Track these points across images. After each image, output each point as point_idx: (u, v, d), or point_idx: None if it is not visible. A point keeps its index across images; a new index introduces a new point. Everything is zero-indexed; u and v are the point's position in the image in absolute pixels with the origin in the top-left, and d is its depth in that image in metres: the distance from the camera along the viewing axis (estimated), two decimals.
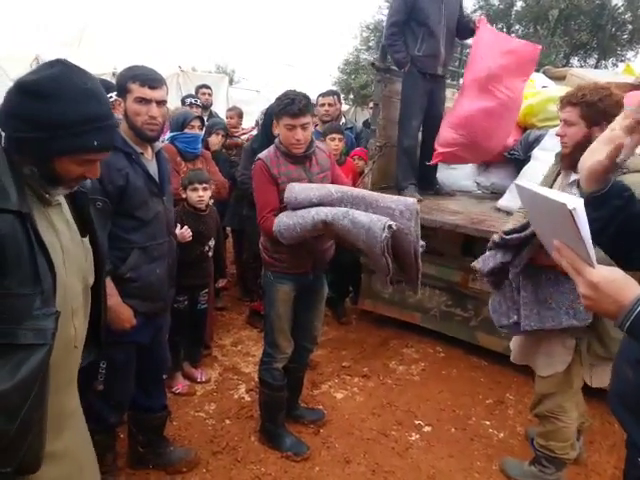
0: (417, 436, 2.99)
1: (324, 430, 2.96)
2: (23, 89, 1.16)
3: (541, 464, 2.52)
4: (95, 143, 1.21)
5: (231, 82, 18.04)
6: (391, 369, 3.74)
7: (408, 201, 2.19)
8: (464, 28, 4.12)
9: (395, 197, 2.30)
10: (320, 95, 4.70)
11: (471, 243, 3.65)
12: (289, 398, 2.86)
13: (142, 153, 2.04)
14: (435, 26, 3.90)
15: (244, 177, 3.84)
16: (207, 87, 6.09)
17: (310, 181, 2.48)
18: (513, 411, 3.27)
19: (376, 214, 2.15)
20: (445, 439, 2.98)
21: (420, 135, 4.34)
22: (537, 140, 4.24)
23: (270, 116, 3.87)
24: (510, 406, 3.32)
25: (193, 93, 5.87)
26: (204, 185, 3.05)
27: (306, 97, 2.39)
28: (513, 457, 2.79)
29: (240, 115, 5.44)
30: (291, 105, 2.33)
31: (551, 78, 5.57)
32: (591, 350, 2.27)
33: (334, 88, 13.29)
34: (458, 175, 4.91)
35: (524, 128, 4.52)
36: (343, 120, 5.09)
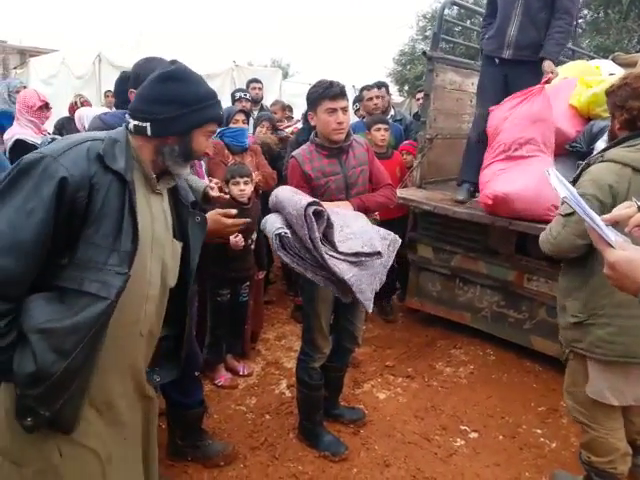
0: (462, 442, 2.87)
1: (364, 431, 2.89)
2: (165, 77, 1.42)
3: (591, 478, 2.30)
4: (217, 113, 1.50)
5: (286, 76, 18.15)
6: (437, 370, 3.61)
7: (297, 205, 1.96)
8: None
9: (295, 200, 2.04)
10: (364, 88, 4.59)
11: (525, 241, 3.46)
12: (328, 397, 2.81)
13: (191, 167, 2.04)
14: (506, 5, 3.60)
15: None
16: (257, 81, 6.11)
17: (345, 176, 2.41)
18: (567, 420, 3.06)
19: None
20: (492, 447, 2.84)
21: None
22: (602, 131, 3.92)
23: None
24: (564, 415, 3.11)
25: (243, 87, 5.91)
26: (245, 179, 3.04)
27: (339, 82, 2.36)
28: (565, 470, 2.61)
29: (284, 108, 5.43)
30: (330, 88, 2.31)
31: (621, 65, 5.18)
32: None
33: (388, 80, 13.06)
34: None
35: (588, 118, 4.21)
36: (392, 112, 4.96)
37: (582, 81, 4.31)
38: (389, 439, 2.84)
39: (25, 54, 16.30)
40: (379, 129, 3.87)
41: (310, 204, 1.86)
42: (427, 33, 15.44)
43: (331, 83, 2.34)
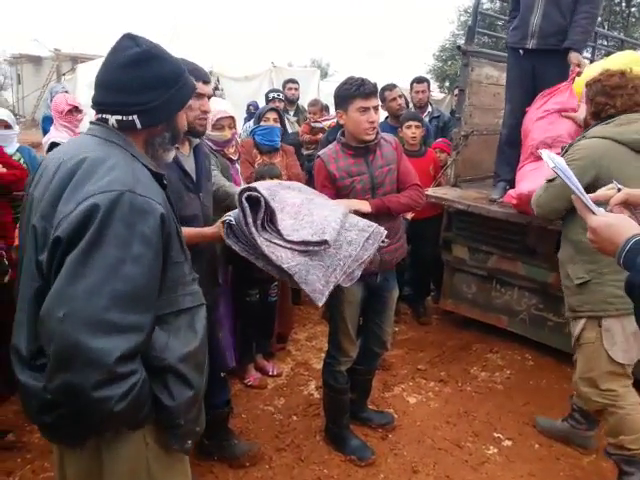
0: (495, 450, 2.76)
1: (393, 435, 2.82)
2: (140, 59, 1.25)
3: (623, 472, 2.26)
4: (194, 83, 1.40)
5: (325, 75, 18.16)
6: (472, 375, 3.50)
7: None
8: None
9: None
10: (385, 89, 4.46)
11: None
12: (356, 400, 2.76)
13: (177, 147, 2.01)
14: None
15: None
16: (294, 82, 6.11)
17: (372, 176, 2.36)
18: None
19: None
20: (527, 456, 2.72)
21: None
22: None
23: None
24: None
25: (278, 88, 5.93)
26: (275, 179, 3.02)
27: (370, 80, 2.30)
28: None
29: (322, 109, 5.39)
30: (363, 86, 2.25)
31: None
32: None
33: (428, 76, 12.83)
34: None
35: None
36: (429, 109, 4.85)
37: None
38: (418, 445, 2.76)
39: (77, 61, 17.00)
40: (410, 126, 3.80)
41: (244, 190, 1.78)
42: None
43: (363, 81, 2.27)
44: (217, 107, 2.57)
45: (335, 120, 5.03)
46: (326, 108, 6.63)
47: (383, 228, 2.08)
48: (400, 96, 4.40)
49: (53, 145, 3.25)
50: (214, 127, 2.57)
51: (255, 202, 1.77)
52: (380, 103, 4.73)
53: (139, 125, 1.27)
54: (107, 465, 1.24)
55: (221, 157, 2.62)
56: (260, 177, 3.04)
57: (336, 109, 2.38)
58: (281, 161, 3.48)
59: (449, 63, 15.03)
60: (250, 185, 1.88)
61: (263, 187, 1.97)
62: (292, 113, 5.88)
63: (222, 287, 2.56)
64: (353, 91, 2.26)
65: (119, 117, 1.26)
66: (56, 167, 1.22)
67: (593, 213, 1.18)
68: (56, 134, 3.34)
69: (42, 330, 1.12)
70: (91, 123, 1.32)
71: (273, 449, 2.68)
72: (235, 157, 2.81)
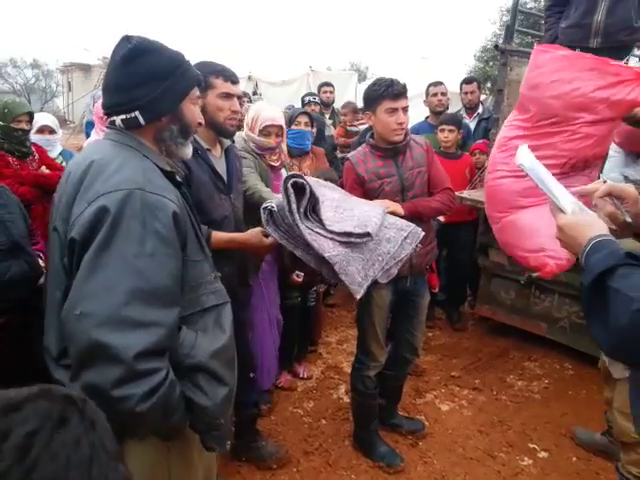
0: (530, 461, 2.66)
1: (423, 443, 2.77)
2: (131, 56, 1.25)
3: None
4: (196, 73, 1.36)
5: (364, 78, 18.10)
6: (508, 384, 3.39)
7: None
8: None
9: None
10: (431, 85, 4.44)
11: None
12: (386, 406, 2.73)
13: (209, 149, 2.02)
14: None
15: None
16: (329, 85, 6.11)
17: (401, 178, 2.32)
18: None
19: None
20: (563, 468, 2.61)
21: None
22: None
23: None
24: None
25: (314, 91, 5.95)
26: None
27: (400, 81, 2.27)
28: None
29: (354, 110, 5.37)
30: (392, 86, 2.22)
31: None
32: None
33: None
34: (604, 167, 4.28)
35: None
36: (480, 110, 4.75)
37: None
38: (449, 453, 2.70)
39: None
40: (443, 130, 3.75)
41: (290, 176, 1.76)
42: None
43: (392, 81, 2.25)
44: (267, 114, 2.56)
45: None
46: (360, 110, 6.63)
47: (421, 229, 2.06)
48: (443, 93, 4.34)
49: None
50: (261, 132, 2.55)
51: (300, 190, 1.77)
52: (423, 98, 4.69)
53: (142, 121, 1.27)
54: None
55: (262, 161, 2.60)
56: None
57: (365, 110, 2.36)
58: (311, 164, 3.47)
59: (490, 64, 14.71)
60: (296, 173, 1.90)
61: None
62: (328, 116, 5.89)
63: (255, 289, 2.59)
64: (381, 92, 2.23)
65: (123, 116, 1.27)
66: (69, 175, 1.26)
67: (562, 211, 1.17)
68: (96, 138, 3.44)
69: (64, 330, 1.14)
70: (107, 128, 1.35)
71: (301, 452, 2.67)
72: (277, 164, 2.73)
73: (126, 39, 1.28)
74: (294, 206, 1.74)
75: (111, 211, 1.10)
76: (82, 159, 1.27)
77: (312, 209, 1.83)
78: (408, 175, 2.33)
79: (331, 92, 6.02)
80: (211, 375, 1.24)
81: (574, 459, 2.68)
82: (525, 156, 1.27)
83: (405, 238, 1.99)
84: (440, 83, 4.44)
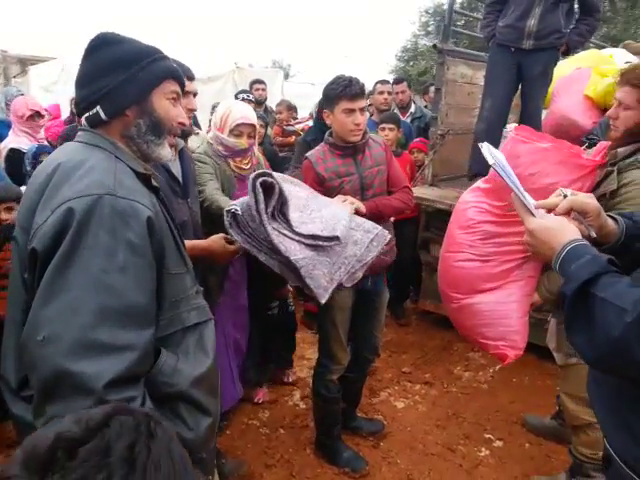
0: (487, 452, 2.73)
1: (384, 443, 2.76)
2: (94, 47, 1.15)
3: (587, 475, 2.26)
4: (170, 66, 1.22)
5: (287, 76, 18.03)
6: (456, 376, 3.48)
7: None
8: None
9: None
10: (379, 82, 4.46)
11: None
12: (346, 409, 2.68)
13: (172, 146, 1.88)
14: None
15: (297, 172, 3.68)
16: (261, 82, 5.99)
17: (361, 176, 2.28)
18: None
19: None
20: (518, 456, 2.70)
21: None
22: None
23: (322, 107, 3.71)
24: None
25: (246, 89, 5.80)
26: None
27: (359, 80, 2.20)
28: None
29: (289, 108, 5.30)
30: (350, 87, 2.15)
31: (636, 53, 5.03)
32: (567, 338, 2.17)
33: (391, 77, 12.92)
34: None
35: (604, 110, 4.07)
36: (412, 109, 4.82)
37: (597, 71, 4.16)
38: (411, 451, 2.71)
39: (25, 63, 16.25)
40: (383, 129, 3.77)
41: (259, 175, 1.69)
42: (430, 28, 15.30)
43: (350, 81, 2.18)
44: (238, 112, 2.33)
45: (308, 123, 4.98)
46: (294, 109, 6.56)
47: (387, 232, 2.02)
48: (389, 92, 4.37)
49: (13, 152, 3.04)
50: (231, 133, 2.32)
51: (268, 189, 1.68)
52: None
53: (103, 115, 1.13)
54: None
55: (227, 167, 2.37)
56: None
57: (323, 108, 2.29)
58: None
59: (411, 64, 15.18)
60: (265, 170, 1.79)
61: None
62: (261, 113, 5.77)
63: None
64: (339, 92, 2.17)
65: (87, 114, 1.15)
66: (37, 176, 1.11)
67: (532, 215, 1.14)
68: (15, 139, 3.11)
69: (24, 358, 0.99)
70: (79, 130, 1.19)
71: (262, 466, 2.56)
72: (247, 168, 2.43)
73: (96, 35, 1.17)
74: (262, 206, 1.65)
75: (76, 219, 0.97)
76: (48, 162, 1.11)
77: (280, 209, 1.75)
78: (368, 174, 2.29)
79: (263, 89, 5.91)
80: (193, 404, 1.13)
81: (527, 445, 2.78)
82: (495, 156, 1.25)
83: (372, 241, 1.95)
84: (387, 82, 4.47)
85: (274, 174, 1.74)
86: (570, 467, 2.35)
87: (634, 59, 4.72)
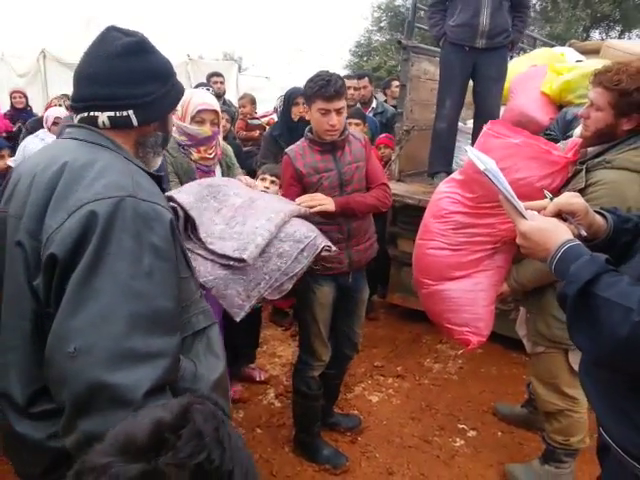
0: (462, 442, 2.79)
1: (362, 438, 2.76)
2: (137, 49, 1.10)
3: (559, 460, 2.35)
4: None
5: (240, 69, 17.76)
6: (426, 368, 3.54)
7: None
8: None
9: None
10: (344, 77, 4.45)
11: None
12: (324, 406, 2.67)
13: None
14: None
15: (264, 167, 3.61)
16: (219, 75, 5.86)
17: (340, 172, 2.26)
18: None
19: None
20: (492, 444, 2.78)
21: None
22: (576, 118, 3.95)
23: (289, 102, 3.64)
24: None
25: (204, 81, 5.66)
26: (273, 178, 2.73)
27: (341, 78, 2.16)
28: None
29: (253, 102, 5.22)
30: (326, 87, 2.10)
31: (581, 52, 5.25)
32: (534, 328, 2.30)
33: (345, 71, 12.97)
34: None
35: (560, 106, 4.22)
36: (374, 104, 4.83)
37: (552, 68, 4.31)
38: (389, 445, 2.73)
39: None
40: (350, 124, 3.75)
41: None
42: (382, 24, 15.44)
43: (328, 81, 2.11)
44: (199, 98, 2.25)
45: (273, 117, 4.90)
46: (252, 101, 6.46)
47: (323, 238, 1.94)
48: (356, 88, 4.35)
49: None
50: (193, 120, 2.21)
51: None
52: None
53: (135, 122, 1.10)
54: None
55: (183, 157, 2.25)
56: (262, 172, 2.84)
57: (305, 103, 2.25)
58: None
59: (365, 59, 15.28)
60: (170, 194, 1.75)
61: (199, 188, 1.89)
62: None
63: None
64: (315, 91, 2.13)
65: (111, 113, 1.08)
66: (30, 179, 1.01)
67: (523, 217, 1.15)
68: None
69: (50, 372, 0.91)
70: (69, 127, 1.11)
71: None
72: (212, 159, 2.33)
73: (119, 30, 1.11)
74: None
75: (99, 223, 0.92)
76: (47, 160, 1.02)
77: (192, 228, 1.74)
78: (347, 170, 2.27)
79: (222, 82, 5.79)
80: None
81: (499, 434, 2.86)
82: (484, 160, 1.23)
83: (301, 251, 1.86)
84: (352, 77, 4.46)
85: (190, 189, 1.78)
86: (543, 453, 2.42)
87: (583, 57, 4.95)
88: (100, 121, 1.08)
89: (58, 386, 0.91)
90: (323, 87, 2.11)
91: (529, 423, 2.84)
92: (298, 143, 2.30)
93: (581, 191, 1.91)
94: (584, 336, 1.03)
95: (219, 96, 5.61)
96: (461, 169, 2.30)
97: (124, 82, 1.08)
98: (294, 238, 1.88)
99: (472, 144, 3.82)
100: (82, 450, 0.89)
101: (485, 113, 3.75)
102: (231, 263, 1.72)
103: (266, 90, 10.27)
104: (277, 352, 3.67)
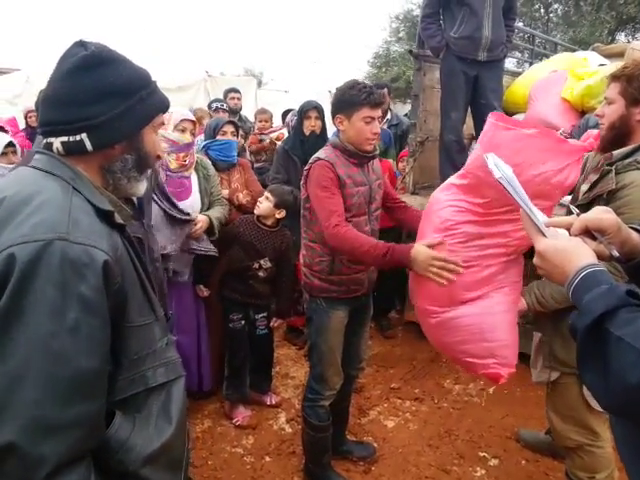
0: (483, 471, 2.62)
1: (376, 468, 2.62)
2: (87, 64, 0.98)
3: None
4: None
5: (260, 84, 17.90)
6: (446, 389, 3.37)
7: None
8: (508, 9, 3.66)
9: None
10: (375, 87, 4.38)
11: None
12: (335, 433, 2.53)
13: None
14: (478, 5, 3.49)
15: (276, 181, 3.53)
16: (236, 91, 5.84)
17: (370, 188, 2.18)
18: None
19: None
20: (515, 474, 2.60)
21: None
22: (598, 125, 3.77)
23: (301, 115, 3.56)
24: None
25: (220, 97, 5.65)
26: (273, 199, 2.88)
27: (380, 87, 2.10)
28: None
29: (271, 117, 5.19)
30: (372, 94, 2.02)
31: (605, 56, 5.05)
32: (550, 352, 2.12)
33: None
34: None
35: (582, 112, 4.05)
36: (388, 116, 4.72)
37: (573, 73, 4.16)
38: (404, 475, 2.58)
39: None
40: None
41: None
42: (400, 35, 15.35)
43: (372, 88, 2.05)
44: (179, 112, 2.62)
45: (282, 131, 4.83)
46: (271, 117, 6.43)
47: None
48: None
49: None
50: (176, 128, 2.53)
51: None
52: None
53: (89, 146, 0.99)
54: None
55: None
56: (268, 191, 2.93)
57: (337, 113, 2.11)
58: (240, 177, 3.20)
59: (384, 70, 15.19)
60: None
61: None
62: None
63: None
64: (362, 99, 2.02)
65: (64, 138, 0.99)
66: None
67: (543, 234, 1.03)
68: None
69: None
70: (37, 152, 1.03)
71: None
72: (187, 165, 2.65)
73: (81, 44, 1.01)
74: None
75: (18, 270, 0.82)
76: None
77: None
78: (374, 186, 2.18)
79: (239, 99, 5.76)
80: None
81: (523, 462, 2.68)
82: (502, 169, 1.12)
83: None
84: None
85: None
86: None
87: (607, 61, 4.75)
88: (54, 147, 0.99)
89: None
90: (370, 94, 2.03)
91: (555, 451, 2.65)
92: (328, 150, 2.15)
93: (611, 193, 1.77)
94: (593, 378, 0.90)
95: (235, 112, 5.59)
96: (463, 173, 1.96)
97: (74, 102, 0.98)
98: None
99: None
100: None
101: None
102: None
103: (284, 104, 10.26)
104: (290, 373, 3.56)
